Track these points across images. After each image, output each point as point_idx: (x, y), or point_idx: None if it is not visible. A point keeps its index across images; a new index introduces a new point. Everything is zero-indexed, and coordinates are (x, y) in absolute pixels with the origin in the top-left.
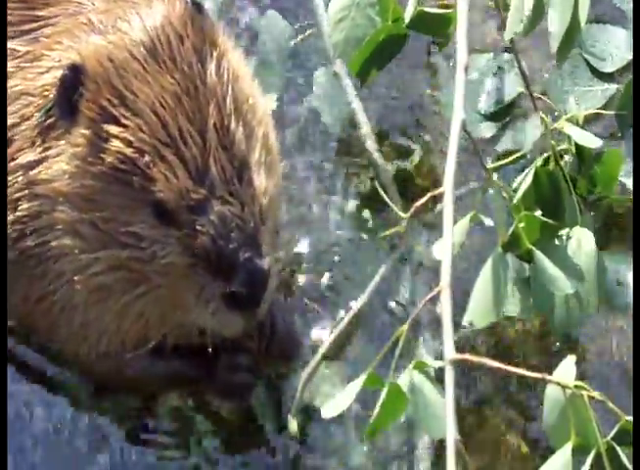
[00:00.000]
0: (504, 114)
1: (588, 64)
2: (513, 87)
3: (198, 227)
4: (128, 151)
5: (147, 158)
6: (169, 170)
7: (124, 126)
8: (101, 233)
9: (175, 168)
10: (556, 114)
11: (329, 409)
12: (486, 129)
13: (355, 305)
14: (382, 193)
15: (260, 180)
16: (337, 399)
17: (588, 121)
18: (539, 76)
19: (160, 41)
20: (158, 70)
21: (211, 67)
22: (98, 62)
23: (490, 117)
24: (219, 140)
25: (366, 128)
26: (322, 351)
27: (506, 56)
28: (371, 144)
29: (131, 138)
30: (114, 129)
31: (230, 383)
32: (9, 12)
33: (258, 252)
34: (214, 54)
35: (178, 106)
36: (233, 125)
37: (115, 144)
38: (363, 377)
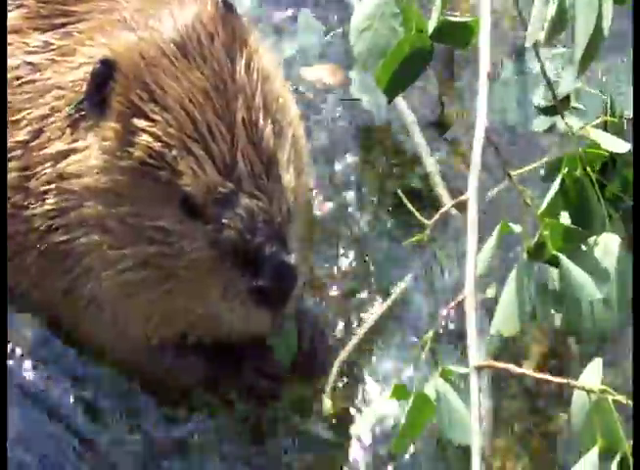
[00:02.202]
0: (559, 108)
1: None
2: (569, 82)
3: (224, 221)
4: (156, 145)
5: (174, 152)
6: (197, 165)
7: (153, 121)
8: (129, 228)
9: (203, 163)
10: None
11: (359, 427)
12: (541, 123)
13: (386, 302)
14: (405, 201)
15: (289, 178)
16: (364, 417)
17: None
18: (595, 76)
19: (191, 39)
20: (187, 67)
21: (241, 64)
22: (129, 57)
23: (545, 111)
24: (247, 135)
25: (410, 118)
26: (349, 348)
27: (562, 50)
28: (417, 134)
29: (159, 133)
30: (142, 124)
31: (254, 385)
32: (40, 5)
33: (285, 246)
34: (244, 52)
35: (207, 101)
36: (262, 122)
37: (144, 138)
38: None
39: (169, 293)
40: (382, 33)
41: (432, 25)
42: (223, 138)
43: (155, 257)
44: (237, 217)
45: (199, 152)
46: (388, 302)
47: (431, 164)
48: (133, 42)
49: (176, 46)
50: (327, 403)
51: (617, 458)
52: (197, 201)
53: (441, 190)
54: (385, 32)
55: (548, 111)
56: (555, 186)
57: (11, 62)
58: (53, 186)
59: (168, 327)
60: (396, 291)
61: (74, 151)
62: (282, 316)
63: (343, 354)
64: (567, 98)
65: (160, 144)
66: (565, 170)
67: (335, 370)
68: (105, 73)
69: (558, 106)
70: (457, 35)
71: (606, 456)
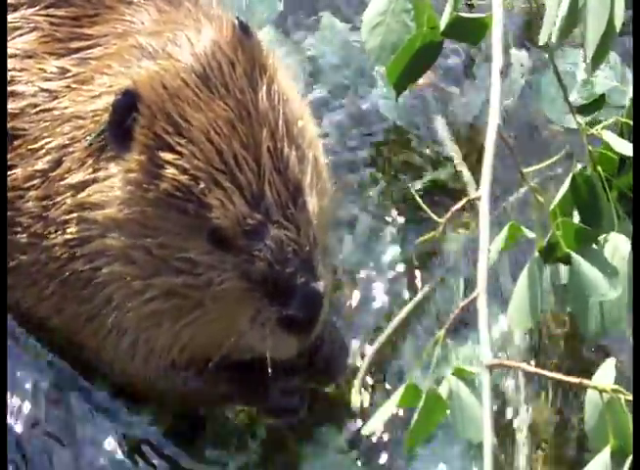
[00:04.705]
0: (594, 107)
1: None
2: (604, 81)
3: (254, 252)
4: (183, 178)
5: (202, 185)
6: (225, 197)
7: (179, 154)
8: (155, 259)
9: (231, 195)
10: None
11: (369, 427)
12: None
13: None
14: (418, 200)
15: (313, 203)
16: (375, 417)
17: None
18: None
19: (212, 67)
20: (210, 97)
21: (263, 91)
22: (152, 88)
23: (580, 109)
24: (273, 164)
25: (440, 121)
26: (379, 343)
27: None
28: (446, 137)
29: (186, 165)
30: (168, 156)
31: (280, 406)
32: (55, 27)
33: (314, 275)
34: (265, 78)
35: (232, 132)
36: (286, 149)
37: (171, 171)
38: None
39: (195, 322)
40: (393, 29)
41: (444, 22)
42: (250, 169)
43: (182, 287)
44: (267, 249)
45: (226, 184)
46: (416, 299)
47: (458, 159)
48: (154, 72)
49: (197, 76)
50: (355, 399)
51: (630, 458)
52: (226, 233)
53: (468, 178)
54: (396, 28)
55: (584, 109)
56: (566, 185)
57: (27, 88)
58: (74, 215)
59: (192, 353)
60: (424, 289)
61: (95, 181)
62: (308, 340)
63: (375, 347)
64: (602, 96)
65: (187, 177)
66: (576, 169)
67: (364, 365)
68: (128, 105)
69: (570, 106)
70: (470, 31)
71: (618, 456)
